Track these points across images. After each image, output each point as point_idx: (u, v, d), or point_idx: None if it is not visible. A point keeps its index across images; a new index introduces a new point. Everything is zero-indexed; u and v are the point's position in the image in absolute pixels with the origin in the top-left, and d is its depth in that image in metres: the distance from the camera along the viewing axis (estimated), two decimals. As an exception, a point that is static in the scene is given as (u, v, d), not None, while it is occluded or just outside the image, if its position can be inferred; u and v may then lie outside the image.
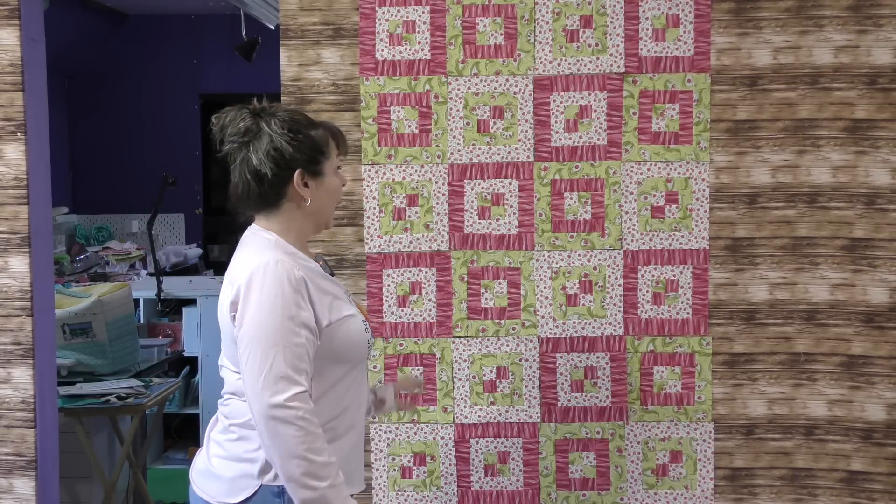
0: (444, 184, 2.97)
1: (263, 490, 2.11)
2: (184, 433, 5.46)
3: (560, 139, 2.96)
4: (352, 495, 2.23)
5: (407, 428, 3.00)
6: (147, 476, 4.82)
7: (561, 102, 2.95)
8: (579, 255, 2.96)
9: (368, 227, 2.98)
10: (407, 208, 2.97)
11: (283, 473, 2.04)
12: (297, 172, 2.14)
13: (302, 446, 2.00)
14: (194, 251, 7.02)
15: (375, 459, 3.00)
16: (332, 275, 2.27)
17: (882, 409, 2.93)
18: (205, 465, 2.23)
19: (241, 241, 2.24)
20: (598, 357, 2.98)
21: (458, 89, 2.95)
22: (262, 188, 2.15)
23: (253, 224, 2.23)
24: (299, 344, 2.03)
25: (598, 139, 2.95)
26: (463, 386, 2.99)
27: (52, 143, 3.15)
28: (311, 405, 2.03)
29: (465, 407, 2.99)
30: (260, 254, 2.10)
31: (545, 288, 2.97)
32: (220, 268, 6.66)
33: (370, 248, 2.98)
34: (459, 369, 2.98)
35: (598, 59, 2.94)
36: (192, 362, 5.30)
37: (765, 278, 2.95)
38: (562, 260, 2.97)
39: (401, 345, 2.99)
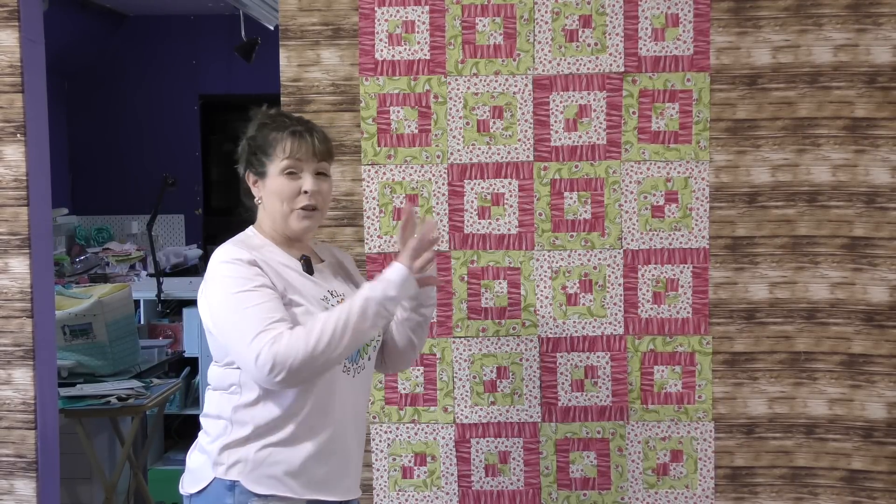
0: (443, 184, 2.97)
1: (216, 483, 2.15)
2: (184, 434, 5.47)
3: (560, 139, 2.96)
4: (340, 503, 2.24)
5: (407, 428, 3.00)
6: (148, 477, 4.82)
7: (560, 102, 2.95)
8: (579, 254, 2.96)
9: (368, 228, 2.98)
10: (407, 208, 2.97)
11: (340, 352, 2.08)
12: (247, 171, 2.28)
13: (306, 355, 2.03)
14: (194, 252, 7.02)
15: (376, 459, 3.00)
16: (311, 273, 2.26)
17: (882, 407, 2.93)
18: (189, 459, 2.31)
19: None
20: (598, 356, 2.98)
21: (458, 89, 2.95)
22: (239, 182, 2.31)
23: None
24: (261, 302, 2.08)
25: (598, 139, 2.95)
26: (463, 386, 2.99)
27: (51, 144, 3.15)
28: (289, 333, 2.04)
29: (465, 407, 2.99)
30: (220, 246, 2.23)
31: (545, 288, 2.97)
32: (220, 268, 6.62)
33: (370, 249, 2.98)
34: (460, 369, 2.98)
35: (597, 58, 2.94)
36: (193, 363, 5.31)
37: (765, 277, 2.95)
38: (562, 259, 2.97)
39: (401, 345, 2.98)
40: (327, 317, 2.07)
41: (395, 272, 2.12)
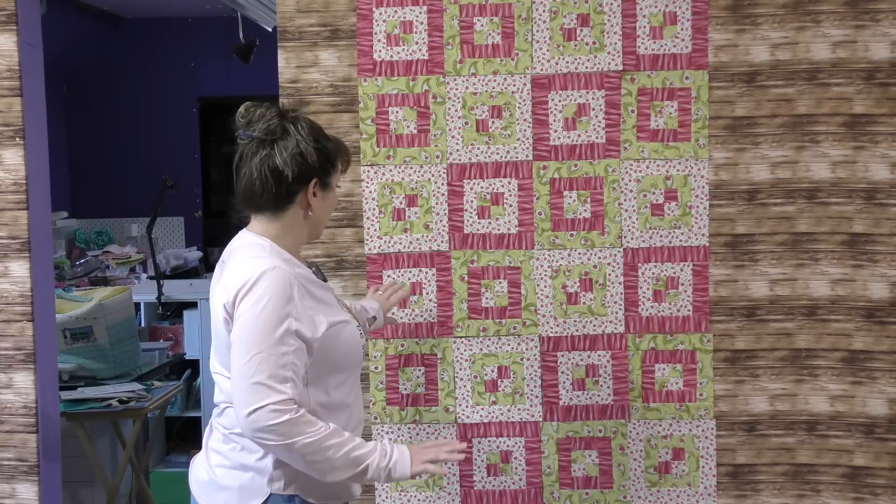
0: (443, 184, 2.97)
1: (274, 499, 2.13)
2: (186, 436, 5.47)
3: (559, 138, 2.96)
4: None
5: (409, 428, 3.00)
6: (150, 479, 4.82)
7: (559, 101, 2.95)
8: (579, 253, 2.96)
9: (368, 228, 2.98)
10: (406, 209, 2.97)
11: (299, 468, 2.10)
12: (313, 181, 2.19)
13: (289, 446, 2.03)
14: (194, 254, 7.03)
15: (378, 460, 3.00)
16: (325, 281, 2.27)
17: (884, 404, 2.93)
18: (208, 476, 2.22)
19: (233, 246, 2.23)
20: (599, 355, 2.98)
21: (457, 89, 2.95)
22: (279, 189, 2.17)
23: (245, 228, 2.24)
24: (285, 353, 2.04)
25: (597, 137, 2.95)
26: (464, 386, 2.99)
27: (50, 147, 3.16)
28: (291, 409, 2.02)
29: (466, 407, 2.99)
30: (257, 260, 2.11)
31: (545, 287, 2.97)
32: (220, 270, 6.63)
33: (370, 249, 2.98)
34: (461, 369, 2.98)
35: (595, 57, 2.94)
36: (194, 365, 5.31)
37: (765, 274, 2.95)
38: (562, 258, 2.97)
39: (402, 345, 2.99)
40: (338, 442, 2.08)
41: (402, 470, 2.15)
